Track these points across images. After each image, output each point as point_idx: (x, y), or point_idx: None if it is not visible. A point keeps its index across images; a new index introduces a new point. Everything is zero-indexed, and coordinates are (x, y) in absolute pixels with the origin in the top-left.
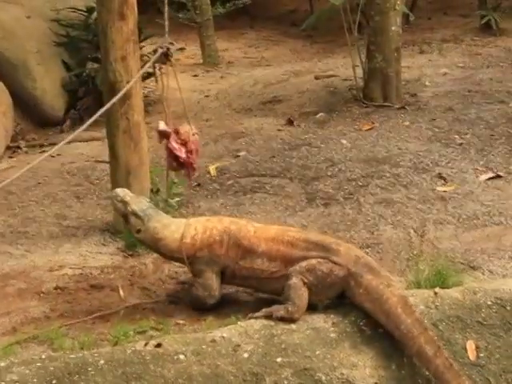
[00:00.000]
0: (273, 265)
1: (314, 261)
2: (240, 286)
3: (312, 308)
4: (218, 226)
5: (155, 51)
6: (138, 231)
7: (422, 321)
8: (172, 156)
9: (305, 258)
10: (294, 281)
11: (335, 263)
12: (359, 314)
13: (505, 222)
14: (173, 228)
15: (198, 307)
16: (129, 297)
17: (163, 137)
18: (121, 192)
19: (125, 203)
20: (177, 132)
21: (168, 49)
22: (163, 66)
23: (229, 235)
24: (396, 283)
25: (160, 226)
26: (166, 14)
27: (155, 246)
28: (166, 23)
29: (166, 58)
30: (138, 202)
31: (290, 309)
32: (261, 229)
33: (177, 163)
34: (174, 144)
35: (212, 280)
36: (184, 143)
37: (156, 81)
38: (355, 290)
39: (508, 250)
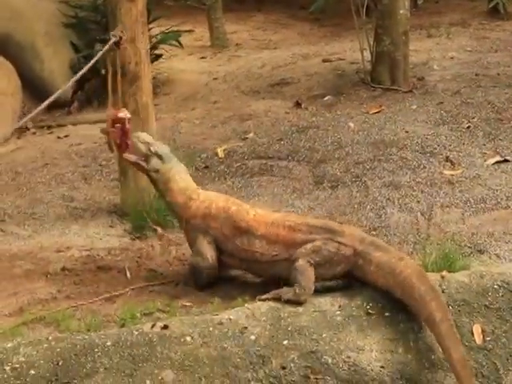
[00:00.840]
0: (273, 248)
1: (319, 242)
2: (244, 270)
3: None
4: (219, 202)
5: (108, 40)
6: (157, 171)
7: (434, 288)
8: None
9: (308, 241)
10: (301, 263)
11: (341, 243)
12: (366, 297)
13: None
14: (183, 185)
15: (197, 277)
16: (136, 278)
17: (118, 122)
18: (145, 135)
19: (148, 144)
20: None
21: (120, 38)
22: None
23: (226, 213)
24: (407, 256)
25: (176, 176)
26: None
27: (164, 189)
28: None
29: (117, 46)
30: (161, 146)
31: (297, 291)
32: (261, 214)
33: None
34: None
35: (204, 246)
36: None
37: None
38: (365, 268)
39: None
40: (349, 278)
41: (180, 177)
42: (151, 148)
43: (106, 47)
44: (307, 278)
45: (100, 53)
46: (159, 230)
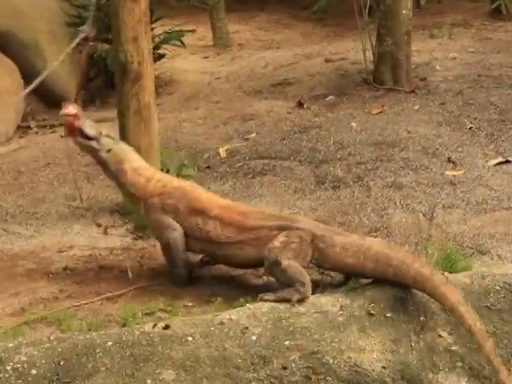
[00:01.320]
0: (226, 230)
1: (282, 237)
2: (199, 252)
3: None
4: (174, 182)
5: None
6: (109, 150)
7: (411, 252)
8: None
9: (262, 227)
10: (286, 262)
11: (299, 229)
12: (367, 297)
13: None
14: (137, 164)
15: (174, 254)
16: (138, 278)
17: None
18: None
19: (96, 126)
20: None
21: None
22: None
23: (182, 192)
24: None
25: (129, 156)
26: None
27: (116, 170)
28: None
29: (85, 41)
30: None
31: (301, 289)
32: (213, 197)
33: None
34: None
35: (168, 219)
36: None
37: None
38: (328, 250)
39: None
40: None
41: (133, 157)
42: (101, 130)
43: (74, 44)
44: (301, 272)
45: (68, 48)
46: None
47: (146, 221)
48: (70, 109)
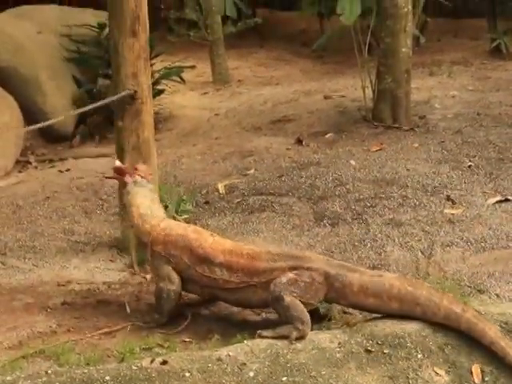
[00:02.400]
0: (235, 276)
1: (290, 274)
2: (210, 297)
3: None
4: (179, 230)
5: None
6: (128, 193)
7: (435, 288)
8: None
9: (272, 269)
10: (288, 299)
11: (311, 269)
12: (365, 334)
13: None
14: (144, 211)
15: (163, 302)
16: (135, 313)
17: (118, 173)
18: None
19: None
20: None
21: (135, 91)
22: None
23: (185, 241)
24: (383, 272)
25: (138, 200)
26: None
27: (128, 213)
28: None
29: (132, 99)
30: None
31: (300, 327)
32: (218, 241)
33: None
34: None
35: (169, 270)
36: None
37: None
38: (346, 290)
39: None
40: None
41: (143, 202)
42: (138, 178)
43: (119, 96)
44: (302, 311)
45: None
46: None
47: (150, 264)
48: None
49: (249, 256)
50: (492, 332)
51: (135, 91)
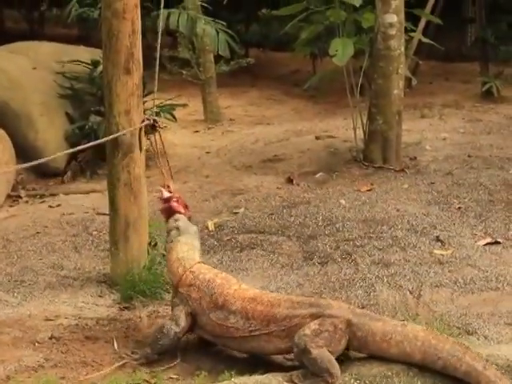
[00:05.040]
0: (249, 324)
1: (314, 325)
2: (221, 345)
3: None
4: (207, 275)
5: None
6: (170, 242)
7: (459, 342)
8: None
9: (292, 317)
10: (316, 351)
11: (333, 317)
12: (353, 374)
13: (501, 288)
14: (182, 255)
15: (160, 339)
16: (123, 349)
17: (166, 202)
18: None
19: (175, 220)
20: (168, 187)
21: (155, 121)
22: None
23: (209, 286)
24: (407, 322)
25: (179, 247)
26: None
27: (167, 260)
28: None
29: (153, 128)
30: (187, 222)
31: (329, 380)
32: (242, 289)
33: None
34: (175, 203)
35: (181, 313)
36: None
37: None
38: (368, 339)
39: (504, 316)
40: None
41: (182, 248)
42: (176, 222)
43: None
44: (329, 362)
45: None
46: None
47: (172, 299)
48: (165, 193)
49: (269, 303)
50: None
51: (155, 120)
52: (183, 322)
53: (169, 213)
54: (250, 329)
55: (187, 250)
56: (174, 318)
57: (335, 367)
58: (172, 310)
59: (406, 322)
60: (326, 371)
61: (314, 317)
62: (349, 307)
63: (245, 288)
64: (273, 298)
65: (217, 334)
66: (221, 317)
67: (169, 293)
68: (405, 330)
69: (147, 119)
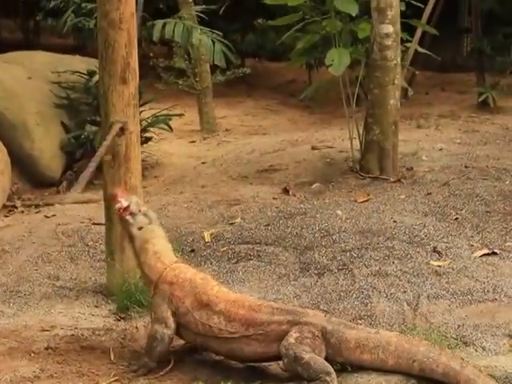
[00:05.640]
0: (231, 325)
1: (295, 333)
2: (199, 345)
3: None
4: (188, 274)
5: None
6: (140, 228)
7: (433, 345)
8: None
9: (270, 322)
10: (307, 356)
11: (309, 324)
12: None
13: (499, 299)
14: (158, 248)
15: (154, 346)
16: (119, 359)
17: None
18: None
19: (139, 204)
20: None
21: (124, 123)
22: None
23: (191, 285)
24: (380, 330)
25: (155, 239)
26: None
27: (140, 249)
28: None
29: (121, 131)
30: (151, 210)
31: (328, 379)
32: (223, 291)
33: None
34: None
35: (167, 313)
36: None
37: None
38: (341, 345)
39: (501, 327)
40: None
41: (158, 241)
42: (141, 208)
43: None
44: (322, 363)
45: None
46: None
47: (152, 302)
48: (123, 202)
49: (250, 308)
50: None
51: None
52: (172, 322)
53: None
54: (232, 330)
55: (163, 244)
56: (162, 321)
57: (329, 367)
58: (155, 310)
59: (380, 330)
60: (322, 372)
61: (290, 323)
62: (325, 315)
63: (225, 290)
64: (253, 302)
65: (199, 332)
66: (204, 316)
67: None
68: (377, 337)
69: (117, 122)
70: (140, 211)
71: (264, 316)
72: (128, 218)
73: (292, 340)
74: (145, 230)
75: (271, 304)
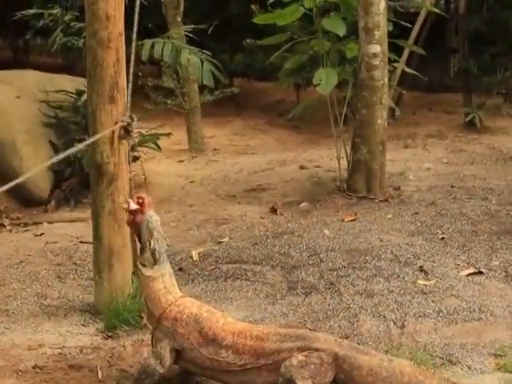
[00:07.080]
0: (240, 358)
1: (300, 356)
2: (209, 378)
3: None
4: (192, 309)
5: (115, 123)
6: (144, 265)
7: (445, 378)
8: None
9: (280, 351)
10: (301, 383)
11: (320, 350)
12: None
13: (485, 318)
14: (163, 286)
15: (144, 378)
16: (107, 378)
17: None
18: (156, 220)
19: (151, 234)
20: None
21: (128, 123)
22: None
23: (196, 321)
24: (394, 357)
25: (160, 278)
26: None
27: (145, 283)
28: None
29: (126, 132)
30: (162, 242)
31: None
32: (230, 322)
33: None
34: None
35: (166, 351)
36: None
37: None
38: (354, 373)
39: (487, 346)
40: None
41: (163, 279)
42: (151, 242)
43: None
44: None
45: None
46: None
47: (152, 334)
48: (132, 205)
49: (258, 337)
50: None
51: (128, 123)
52: (168, 361)
53: (134, 226)
54: (241, 363)
55: (169, 280)
56: (158, 357)
57: None
58: (154, 344)
59: (393, 357)
60: None
61: (300, 350)
62: (335, 340)
63: (231, 321)
64: (261, 331)
65: (207, 367)
66: (212, 351)
67: None
68: (391, 365)
69: (121, 121)
70: (149, 245)
71: (273, 345)
72: (137, 249)
73: (294, 362)
74: (148, 267)
75: (279, 331)
